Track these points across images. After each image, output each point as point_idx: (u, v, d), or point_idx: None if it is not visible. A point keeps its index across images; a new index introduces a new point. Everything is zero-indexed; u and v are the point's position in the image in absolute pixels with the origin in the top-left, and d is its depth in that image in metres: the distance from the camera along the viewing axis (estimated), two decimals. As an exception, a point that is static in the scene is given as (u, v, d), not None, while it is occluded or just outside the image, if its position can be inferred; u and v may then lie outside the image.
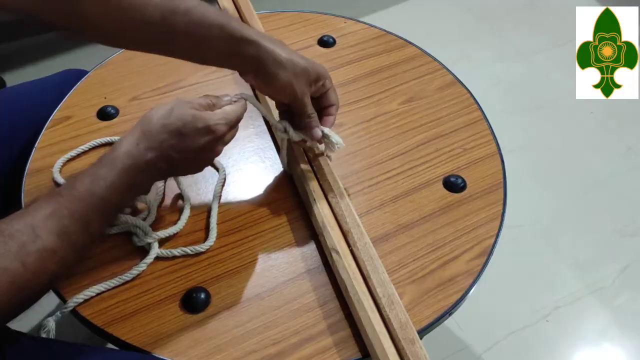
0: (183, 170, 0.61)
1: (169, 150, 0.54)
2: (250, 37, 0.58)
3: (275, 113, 0.68)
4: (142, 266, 0.60)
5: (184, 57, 0.62)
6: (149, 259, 0.60)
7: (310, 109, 0.62)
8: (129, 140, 0.54)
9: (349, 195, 0.66)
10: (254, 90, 0.77)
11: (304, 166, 0.67)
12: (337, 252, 0.59)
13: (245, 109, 0.60)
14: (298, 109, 0.62)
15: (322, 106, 0.65)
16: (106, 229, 0.54)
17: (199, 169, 0.61)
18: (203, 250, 0.62)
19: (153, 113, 0.55)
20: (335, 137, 0.64)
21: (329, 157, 0.68)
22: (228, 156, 0.71)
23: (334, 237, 0.60)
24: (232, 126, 0.59)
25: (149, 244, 0.61)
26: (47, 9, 0.55)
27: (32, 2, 0.54)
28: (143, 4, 0.56)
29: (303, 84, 0.60)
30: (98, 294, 0.58)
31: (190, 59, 0.62)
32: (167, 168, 0.56)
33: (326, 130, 0.64)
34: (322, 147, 0.68)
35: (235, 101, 0.60)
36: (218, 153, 0.60)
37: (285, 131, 0.64)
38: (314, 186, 0.65)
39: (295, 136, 0.64)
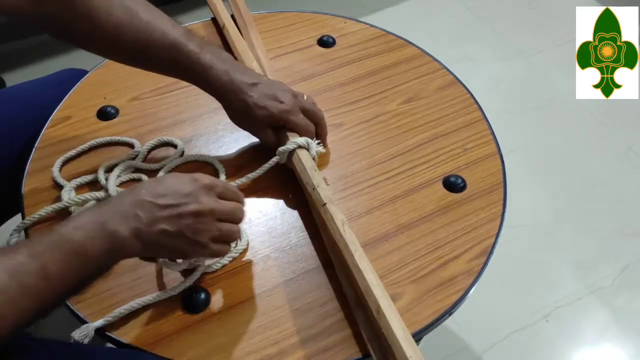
0: (166, 240, 0.51)
1: (151, 194, 0.51)
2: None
3: None
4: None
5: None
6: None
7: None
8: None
9: (338, 199, 0.65)
10: None
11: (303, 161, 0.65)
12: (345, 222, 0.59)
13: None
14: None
15: None
16: (78, 289, 0.47)
17: (188, 246, 0.53)
18: (203, 250, 0.62)
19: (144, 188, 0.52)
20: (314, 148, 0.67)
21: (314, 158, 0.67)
22: (228, 156, 0.71)
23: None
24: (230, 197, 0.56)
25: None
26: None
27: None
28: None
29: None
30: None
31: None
32: (147, 221, 0.49)
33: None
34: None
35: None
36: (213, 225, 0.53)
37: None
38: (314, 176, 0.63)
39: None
